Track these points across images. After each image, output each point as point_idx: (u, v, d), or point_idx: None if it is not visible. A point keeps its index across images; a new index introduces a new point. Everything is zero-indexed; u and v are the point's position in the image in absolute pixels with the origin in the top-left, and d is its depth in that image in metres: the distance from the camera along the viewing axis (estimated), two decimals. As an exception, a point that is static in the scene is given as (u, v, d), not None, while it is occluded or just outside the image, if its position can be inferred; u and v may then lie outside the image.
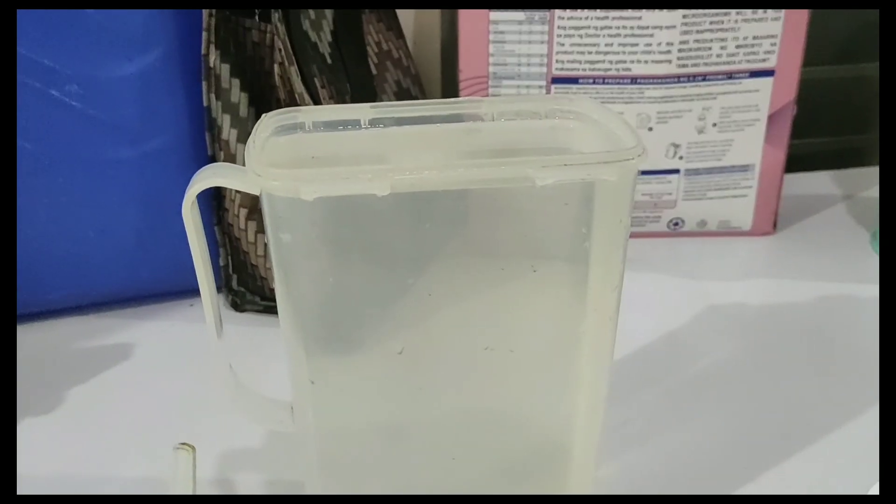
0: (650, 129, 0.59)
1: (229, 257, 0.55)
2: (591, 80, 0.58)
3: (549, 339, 0.33)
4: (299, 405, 0.34)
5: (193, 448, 0.33)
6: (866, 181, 0.71)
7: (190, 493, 0.32)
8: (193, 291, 0.56)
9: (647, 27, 0.56)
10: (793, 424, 0.45)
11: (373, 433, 0.34)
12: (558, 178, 0.28)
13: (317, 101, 0.51)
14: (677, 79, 0.57)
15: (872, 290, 0.56)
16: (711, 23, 0.56)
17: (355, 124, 0.35)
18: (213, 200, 0.54)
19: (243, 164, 0.47)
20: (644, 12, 0.55)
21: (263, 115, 0.34)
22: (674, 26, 0.56)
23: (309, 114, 0.34)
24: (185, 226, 0.32)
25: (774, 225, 0.64)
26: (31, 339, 0.52)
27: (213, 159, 0.52)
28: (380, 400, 0.33)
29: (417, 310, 0.31)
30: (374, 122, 0.35)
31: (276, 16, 0.50)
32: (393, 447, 0.34)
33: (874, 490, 0.33)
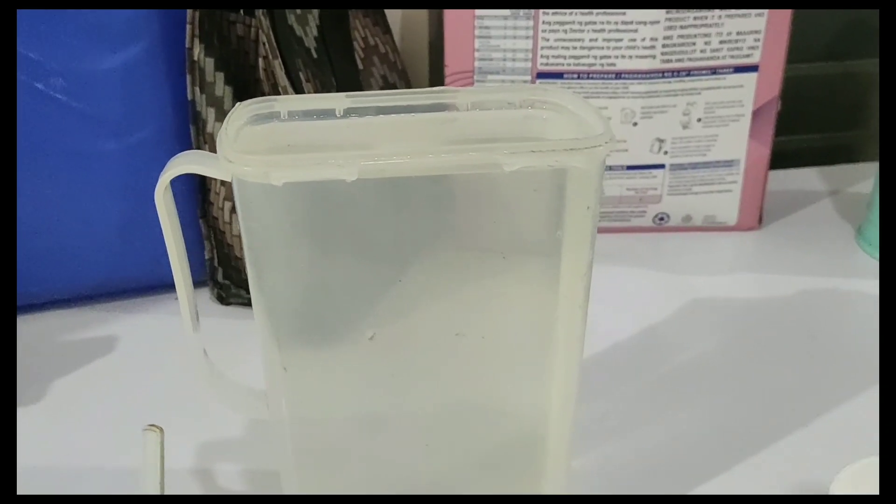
0: (635, 123, 0.59)
1: (214, 250, 0.55)
2: (575, 76, 0.58)
3: (520, 327, 0.33)
4: (273, 393, 0.34)
5: (161, 429, 0.33)
6: (852, 177, 0.71)
7: (158, 473, 0.32)
8: (177, 284, 0.56)
9: (632, 23, 0.56)
10: (773, 419, 0.45)
11: (346, 421, 0.34)
12: (525, 164, 0.29)
13: (300, 95, 0.51)
14: (661, 74, 0.58)
15: (857, 286, 0.57)
16: (695, 18, 0.56)
17: (331, 114, 0.35)
18: (199, 193, 0.54)
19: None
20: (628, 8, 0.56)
21: (238, 103, 0.34)
22: (658, 22, 0.56)
23: (284, 103, 0.34)
24: (159, 213, 0.32)
25: (760, 220, 0.64)
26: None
27: (198, 152, 0.52)
28: (352, 388, 0.33)
29: (388, 297, 0.32)
30: (349, 112, 0.35)
31: (260, 10, 0.50)
32: (366, 435, 0.35)
33: (836, 483, 0.33)
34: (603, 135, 0.29)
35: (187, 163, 0.32)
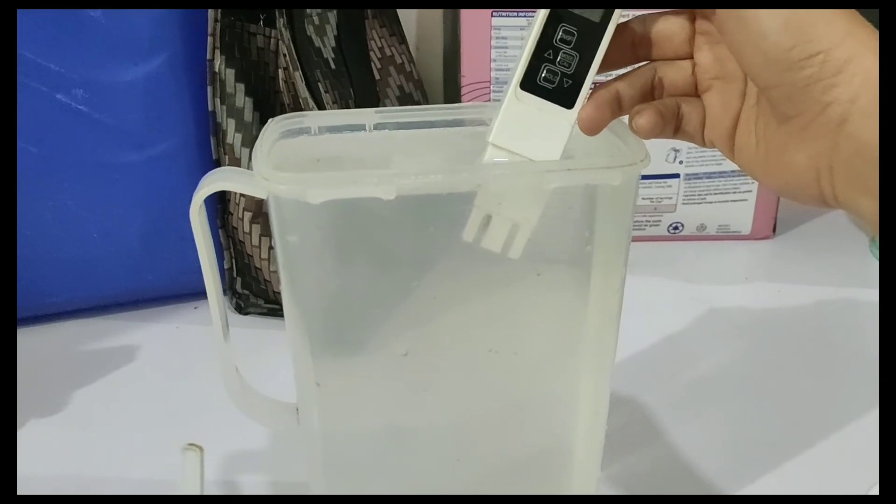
0: (651, 133, 0.59)
1: (233, 260, 0.55)
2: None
3: (552, 342, 0.33)
4: (305, 407, 0.34)
5: (201, 449, 0.33)
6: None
7: (198, 493, 0.33)
8: (197, 294, 0.57)
9: (648, 33, 0.56)
10: (792, 426, 0.45)
11: (377, 435, 0.35)
12: (562, 183, 0.29)
13: (320, 106, 0.51)
14: (678, 84, 0.58)
15: (871, 295, 0.57)
16: (711, 29, 0.56)
17: (360, 128, 0.35)
18: (218, 204, 0.54)
19: (248, 168, 0.48)
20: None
21: (270, 119, 0.34)
22: (674, 32, 0.56)
23: (315, 118, 0.35)
24: (193, 229, 0.32)
25: (774, 229, 0.64)
26: (36, 342, 0.52)
27: (218, 163, 0.52)
28: (384, 402, 0.34)
29: (422, 312, 0.32)
30: (378, 127, 0.35)
31: (280, 21, 0.51)
32: (397, 449, 0.35)
33: (874, 491, 0.33)
34: (639, 152, 0.29)
35: (221, 180, 0.32)
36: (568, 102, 0.30)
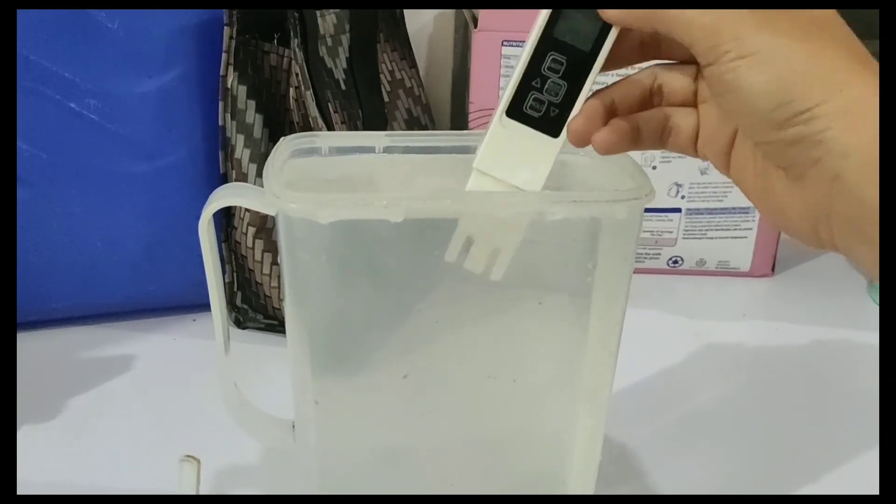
0: (654, 167, 0.60)
1: (234, 274, 0.55)
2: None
3: (551, 371, 0.33)
4: (302, 424, 0.34)
5: (198, 461, 0.33)
6: (864, 228, 0.72)
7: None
8: (197, 306, 0.57)
9: (656, 69, 0.57)
10: (786, 465, 0.45)
11: (374, 455, 0.35)
12: (568, 214, 0.29)
13: (330, 126, 0.52)
14: (683, 120, 0.58)
15: (868, 337, 0.57)
16: (718, 67, 0.57)
17: (370, 150, 0.36)
18: (223, 218, 0.55)
19: (254, 183, 0.48)
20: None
21: (282, 138, 0.34)
22: (681, 69, 0.57)
23: (325, 138, 0.35)
24: (201, 243, 0.33)
25: (773, 267, 0.64)
26: (35, 347, 0.52)
27: (226, 177, 0.53)
28: (382, 423, 0.34)
29: (424, 336, 0.32)
30: (388, 150, 0.36)
31: (294, 41, 0.51)
32: (393, 470, 0.35)
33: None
34: (644, 186, 0.30)
35: (232, 195, 0.32)
36: (553, 131, 0.30)
